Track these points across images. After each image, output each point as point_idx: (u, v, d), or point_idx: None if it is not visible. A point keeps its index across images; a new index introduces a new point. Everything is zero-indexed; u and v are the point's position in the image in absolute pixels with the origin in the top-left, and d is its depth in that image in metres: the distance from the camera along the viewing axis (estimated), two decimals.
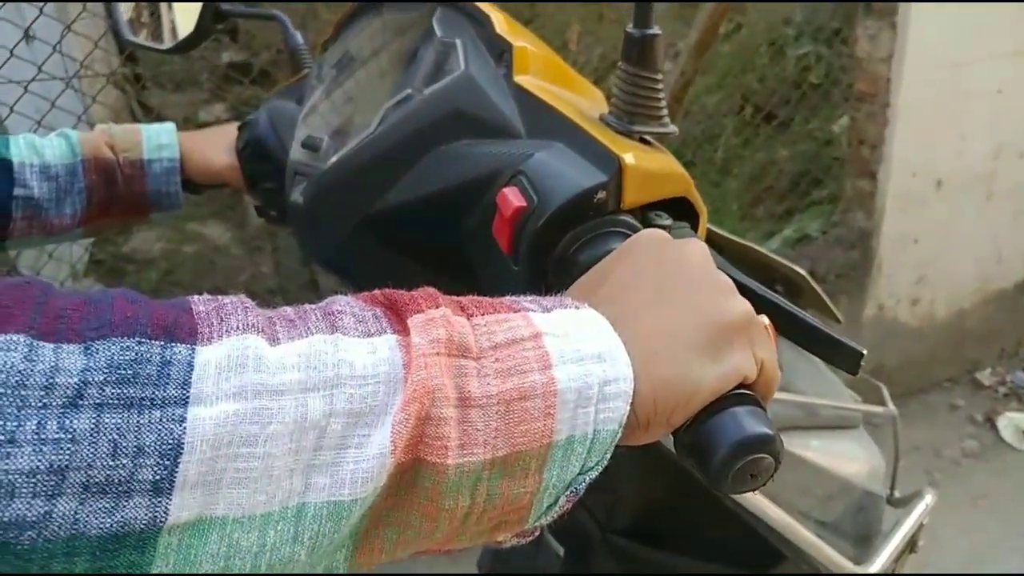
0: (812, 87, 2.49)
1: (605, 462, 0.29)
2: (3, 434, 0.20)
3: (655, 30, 0.41)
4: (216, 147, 0.72)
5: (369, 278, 0.38)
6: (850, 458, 0.62)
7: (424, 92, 0.48)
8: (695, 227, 0.44)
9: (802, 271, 0.70)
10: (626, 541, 0.61)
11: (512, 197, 0.40)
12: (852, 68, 1.88)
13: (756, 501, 0.53)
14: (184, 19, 0.84)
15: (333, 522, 0.24)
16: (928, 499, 0.67)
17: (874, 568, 0.57)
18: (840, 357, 0.38)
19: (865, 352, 0.38)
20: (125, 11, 0.87)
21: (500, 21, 0.48)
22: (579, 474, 0.29)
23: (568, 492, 0.29)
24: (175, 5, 0.85)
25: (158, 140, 0.70)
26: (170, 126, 0.73)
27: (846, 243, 1.91)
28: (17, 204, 0.65)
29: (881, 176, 1.84)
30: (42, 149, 0.68)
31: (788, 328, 0.38)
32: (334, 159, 0.51)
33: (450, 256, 0.49)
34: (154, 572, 0.22)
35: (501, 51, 0.48)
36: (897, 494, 0.75)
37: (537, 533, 0.32)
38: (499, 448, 0.26)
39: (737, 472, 0.30)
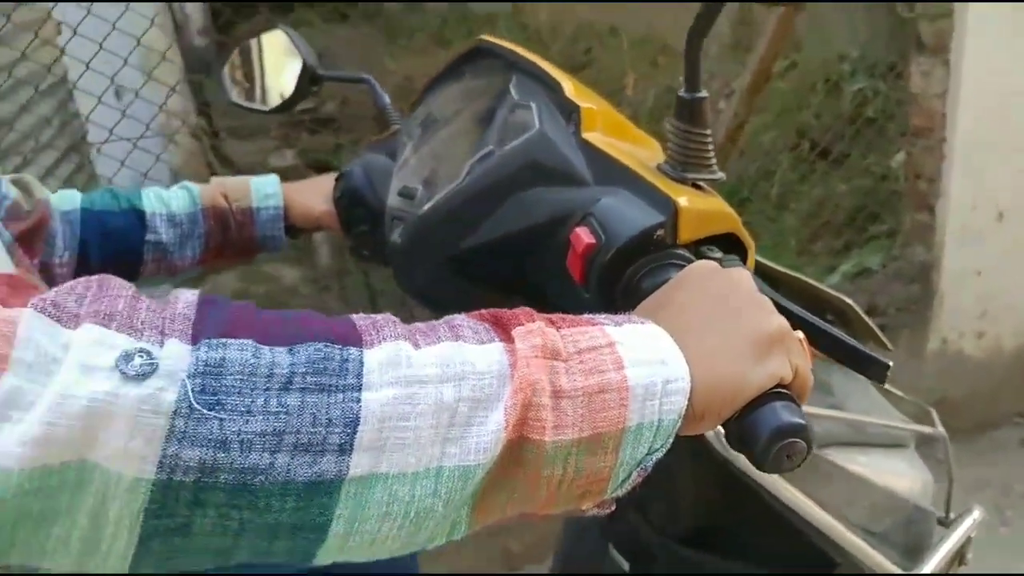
0: (868, 122, 2.52)
1: (668, 446, 0.36)
2: (243, 406, 0.29)
3: (703, 93, 0.49)
4: (315, 196, 0.82)
5: (455, 306, 0.46)
6: (898, 474, 0.66)
7: (504, 148, 0.57)
8: (744, 259, 0.51)
9: (850, 301, 0.75)
10: (684, 547, 0.66)
11: (584, 235, 0.48)
12: (907, 103, 1.91)
13: (806, 506, 0.58)
14: (275, 81, 0.96)
15: (462, 482, 0.32)
16: (976, 514, 0.70)
17: (922, 571, 0.61)
18: (868, 367, 0.44)
19: (891, 363, 0.44)
20: (227, 76, 0.99)
21: (569, 86, 0.57)
22: (647, 454, 0.35)
23: (639, 469, 0.36)
24: (268, 69, 0.96)
25: (265, 190, 0.80)
26: (274, 178, 0.83)
27: (906, 277, 1.92)
28: (148, 248, 0.76)
29: (939, 210, 1.85)
30: (168, 200, 0.78)
31: (820, 342, 0.44)
32: (427, 206, 0.59)
33: (524, 286, 0.57)
34: (337, 514, 0.30)
35: (570, 111, 0.55)
36: (952, 515, 0.78)
37: (613, 506, 0.38)
38: (584, 430, 0.34)
39: (776, 453, 0.36)
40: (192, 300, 0.32)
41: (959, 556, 0.67)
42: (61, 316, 0.29)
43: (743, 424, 0.37)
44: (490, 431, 0.32)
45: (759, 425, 0.36)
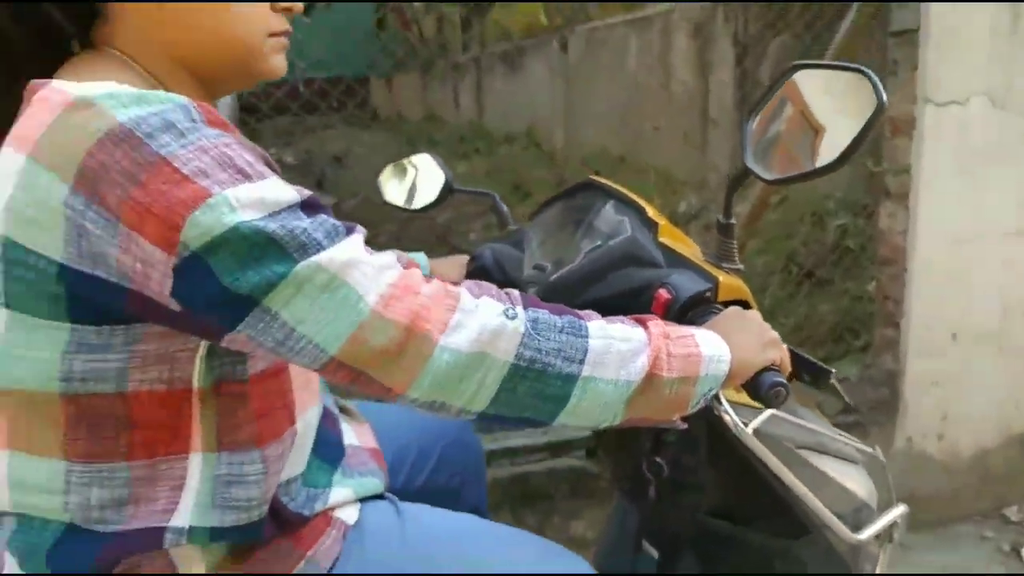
0: (847, 251, 2.94)
1: (717, 389, 0.71)
2: (547, 337, 0.65)
3: (733, 220, 0.86)
4: (452, 269, 1.17)
5: None
6: (850, 477, 0.99)
7: (608, 243, 0.94)
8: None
9: (811, 357, 1.10)
10: (707, 518, 0.98)
11: (664, 294, 0.84)
12: (877, 238, 2.32)
13: (793, 483, 0.90)
14: (422, 189, 1.32)
15: (625, 388, 0.67)
16: (902, 508, 1.02)
17: (863, 536, 0.93)
18: (815, 375, 0.79)
19: (834, 371, 0.79)
20: (382, 183, 1.36)
21: (650, 210, 0.94)
22: (706, 392, 0.71)
23: (703, 399, 0.71)
24: (419, 179, 1.33)
25: (421, 262, 1.16)
26: (422, 255, 1.19)
27: (876, 382, 2.27)
28: None
29: (903, 327, 2.23)
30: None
31: (793, 356, 0.80)
32: (555, 276, 0.95)
33: None
34: (573, 394, 0.64)
35: (651, 225, 0.93)
36: None
37: (685, 425, 0.73)
38: (681, 374, 0.69)
39: (772, 394, 0.71)
40: (517, 293, 0.68)
41: (889, 534, 0.99)
42: (473, 292, 0.65)
43: (755, 381, 0.72)
44: (640, 366, 0.68)
45: (763, 381, 0.72)
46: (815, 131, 0.85)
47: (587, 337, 0.66)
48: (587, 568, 0.87)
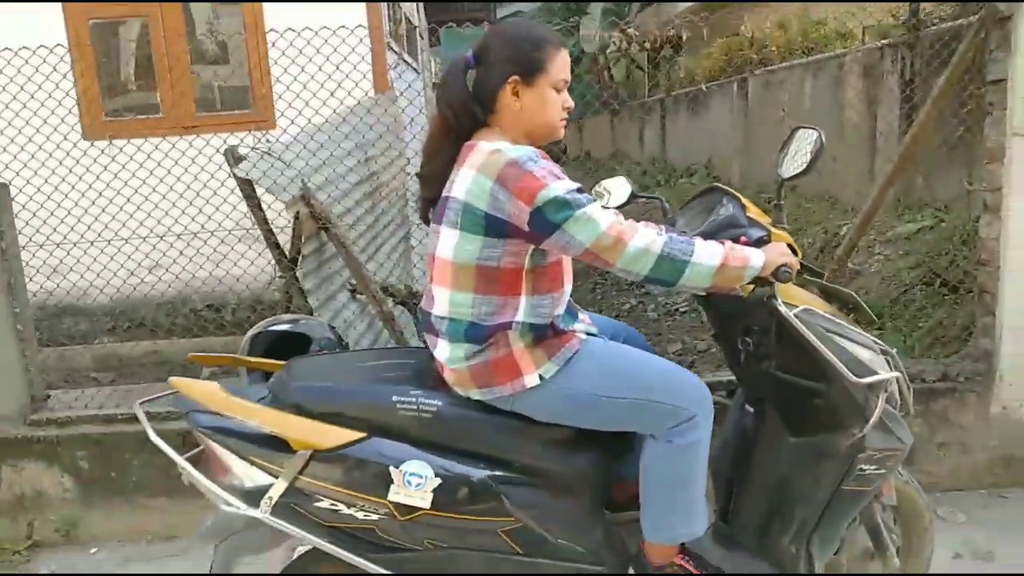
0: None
1: (754, 275, 1.56)
2: (672, 246, 1.52)
3: (782, 202, 1.69)
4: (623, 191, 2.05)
5: None
6: (860, 351, 1.74)
7: (720, 217, 1.78)
8: (794, 252, 1.68)
9: (854, 293, 1.85)
10: (778, 372, 1.78)
11: (744, 239, 1.68)
12: (978, 245, 2.89)
13: (820, 347, 1.68)
14: (616, 197, 2.22)
15: (709, 268, 1.53)
16: (896, 373, 1.74)
17: (862, 381, 1.68)
18: (812, 272, 1.59)
19: (825, 272, 1.59)
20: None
21: (748, 204, 1.79)
22: (751, 274, 1.55)
23: (747, 279, 1.56)
24: (613, 191, 2.23)
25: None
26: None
27: (974, 358, 2.82)
28: None
29: (998, 315, 2.77)
30: None
31: (803, 267, 1.61)
32: (692, 234, 1.80)
33: None
34: (686, 273, 1.52)
35: (743, 207, 1.77)
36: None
37: (743, 293, 1.57)
38: (740, 264, 1.54)
39: (781, 274, 1.53)
40: (664, 228, 1.60)
41: (883, 387, 1.72)
42: (645, 225, 1.57)
43: (776, 272, 1.54)
44: (718, 260, 1.52)
45: (780, 271, 1.54)
46: (798, 156, 1.79)
47: (694, 247, 1.51)
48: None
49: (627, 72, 14.57)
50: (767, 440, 1.88)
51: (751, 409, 1.96)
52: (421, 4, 8.35)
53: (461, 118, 1.66)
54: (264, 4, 5.20)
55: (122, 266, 3.88)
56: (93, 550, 2.90)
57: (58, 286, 3.76)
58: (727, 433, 2.04)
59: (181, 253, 3.82)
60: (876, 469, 1.79)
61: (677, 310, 5.77)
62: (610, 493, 1.89)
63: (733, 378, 2.36)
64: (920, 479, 2.33)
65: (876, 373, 1.75)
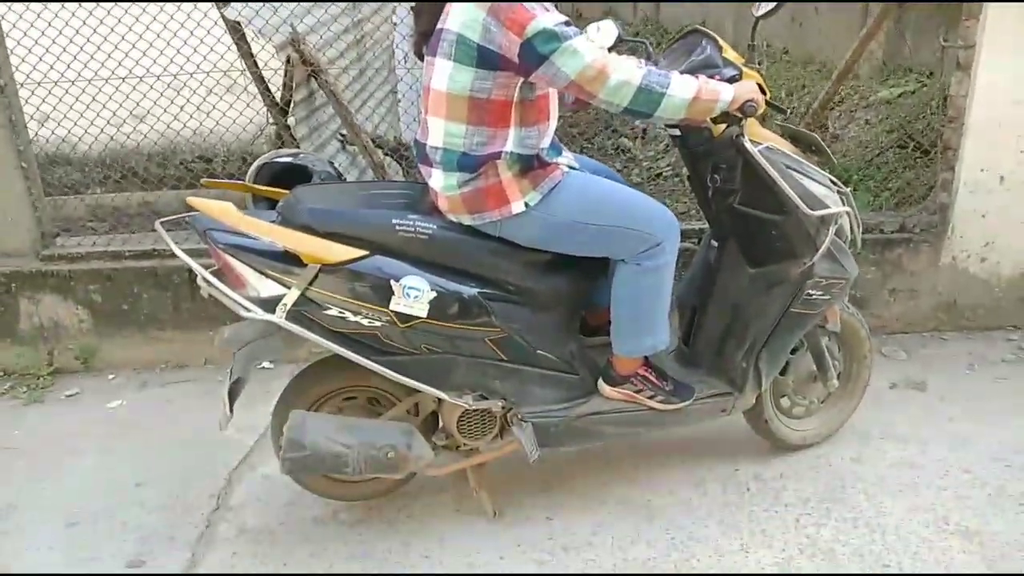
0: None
1: (724, 108, 1.71)
2: (649, 79, 1.66)
3: (756, 43, 1.81)
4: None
5: None
6: (819, 189, 1.92)
7: (697, 56, 1.90)
8: (763, 91, 1.81)
9: (816, 136, 2.00)
10: (740, 206, 1.96)
11: (717, 76, 1.81)
12: (948, 101, 3.01)
13: (781, 182, 1.85)
14: (605, 37, 2.32)
15: (683, 100, 1.67)
16: (845, 208, 1.93)
17: (814, 213, 1.86)
18: (777, 108, 1.75)
19: (786, 110, 1.74)
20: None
21: (726, 46, 1.89)
22: (720, 107, 1.70)
23: (717, 111, 1.72)
24: (602, 31, 2.32)
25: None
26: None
27: (930, 211, 3.02)
28: None
29: (957, 169, 2.94)
30: None
31: (769, 104, 1.75)
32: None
33: None
34: (665, 96, 1.65)
35: (721, 49, 1.88)
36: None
37: (712, 125, 1.72)
38: (711, 98, 1.70)
39: (747, 107, 1.69)
40: (644, 61, 1.71)
41: (834, 220, 1.91)
42: (628, 60, 1.67)
43: (742, 105, 1.68)
44: (691, 92, 1.66)
45: (747, 105, 1.68)
46: None
47: (671, 80, 1.64)
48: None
49: None
50: (728, 270, 2.10)
51: (715, 244, 2.16)
52: None
53: None
54: None
55: (114, 114, 3.91)
56: (111, 376, 3.15)
57: (53, 133, 3.81)
58: (694, 269, 2.26)
59: (172, 102, 3.85)
60: (822, 295, 2.02)
61: (660, 175, 5.90)
62: (584, 316, 2.11)
63: (703, 227, 2.55)
64: (870, 322, 2.58)
65: (828, 207, 1.94)
